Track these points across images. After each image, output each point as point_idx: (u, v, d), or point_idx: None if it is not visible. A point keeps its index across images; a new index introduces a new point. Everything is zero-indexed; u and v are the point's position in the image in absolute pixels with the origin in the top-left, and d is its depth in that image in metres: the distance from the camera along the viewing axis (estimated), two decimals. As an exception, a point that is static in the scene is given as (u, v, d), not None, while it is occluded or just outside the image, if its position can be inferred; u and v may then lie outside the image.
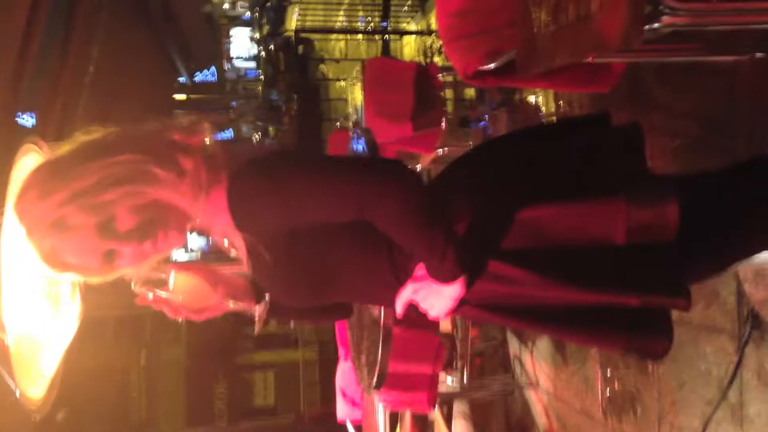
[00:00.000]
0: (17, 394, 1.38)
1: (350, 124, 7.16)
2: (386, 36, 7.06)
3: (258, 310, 1.45)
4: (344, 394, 4.56)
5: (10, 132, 3.72)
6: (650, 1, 1.36)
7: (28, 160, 1.41)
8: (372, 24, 7.25)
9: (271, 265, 1.26)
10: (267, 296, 1.46)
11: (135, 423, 11.61)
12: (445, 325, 3.57)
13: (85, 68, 4.76)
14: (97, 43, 4.92)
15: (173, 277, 1.35)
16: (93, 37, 4.79)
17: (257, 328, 1.48)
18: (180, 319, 1.38)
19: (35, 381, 1.40)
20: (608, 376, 3.06)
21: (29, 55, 3.84)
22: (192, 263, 1.41)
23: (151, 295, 1.33)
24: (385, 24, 6.94)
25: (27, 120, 4.74)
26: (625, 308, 1.29)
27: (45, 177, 1.17)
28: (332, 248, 1.28)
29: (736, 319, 2.23)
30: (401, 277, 1.31)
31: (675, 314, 2.48)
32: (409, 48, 6.92)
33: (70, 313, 1.40)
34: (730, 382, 2.24)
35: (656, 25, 1.39)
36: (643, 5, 1.33)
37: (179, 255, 1.36)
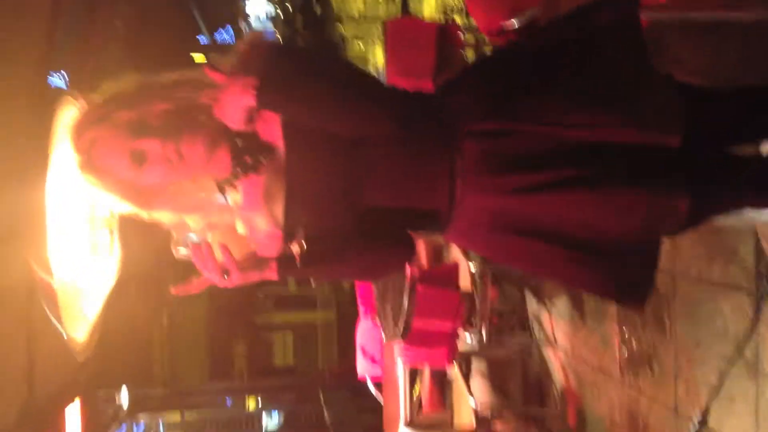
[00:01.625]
0: (64, 336, 1.44)
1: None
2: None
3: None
4: (364, 352, 4.65)
5: (43, 91, 3.79)
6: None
7: (68, 114, 1.46)
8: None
9: (305, 148, 1.29)
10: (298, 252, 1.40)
11: (158, 378, 11.87)
12: (465, 283, 3.62)
13: (111, 26, 4.80)
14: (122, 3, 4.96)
15: (211, 235, 1.35)
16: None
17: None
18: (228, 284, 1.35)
19: (79, 324, 1.46)
20: (626, 335, 3.10)
21: (59, 15, 3.89)
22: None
23: (192, 253, 1.32)
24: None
25: (59, 80, 4.81)
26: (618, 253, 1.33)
27: (95, 98, 1.30)
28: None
29: (755, 276, 2.26)
30: (444, 132, 1.33)
31: (694, 272, 2.53)
32: (428, 7, 6.86)
33: (110, 259, 1.46)
34: (747, 338, 2.28)
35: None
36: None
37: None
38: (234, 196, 1.33)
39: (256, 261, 1.36)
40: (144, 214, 1.33)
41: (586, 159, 1.30)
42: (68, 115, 1.41)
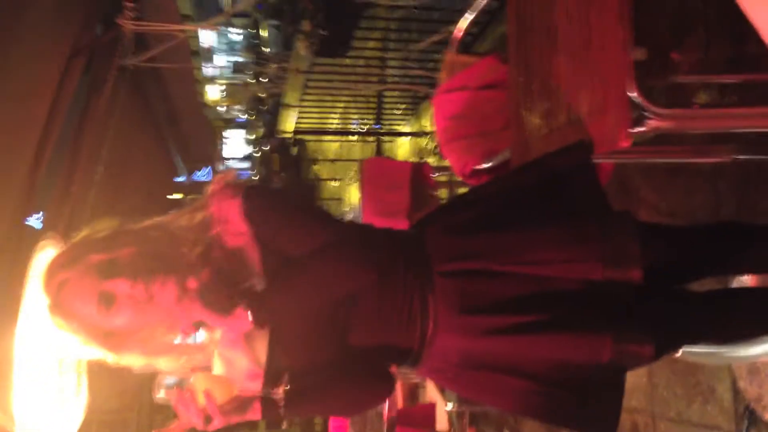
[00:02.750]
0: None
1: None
2: (380, 137, 7.26)
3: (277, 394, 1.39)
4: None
5: (20, 233, 3.79)
6: (636, 107, 1.46)
7: (45, 255, 1.46)
8: (366, 126, 7.46)
9: (286, 296, 1.30)
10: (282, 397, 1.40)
11: None
12: (442, 424, 3.53)
13: (94, 165, 4.90)
14: (107, 140, 5.09)
15: (193, 378, 1.32)
16: (103, 139, 4.96)
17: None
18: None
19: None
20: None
21: (44, 157, 3.96)
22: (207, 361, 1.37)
23: (174, 399, 1.30)
24: (378, 126, 7.16)
25: (35, 221, 4.84)
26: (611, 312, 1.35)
27: (70, 242, 1.32)
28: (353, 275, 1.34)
29: (734, 416, 2.24)
30: (418, 273, 1.36)
31: (673, 412, 2.49)
32: (403, 149, 7.11)
33: (76, 404, 1.42)
34: (731, 480, 2.22)
35: (642, 128, 1.48)
36: (629, 110, 1.43)
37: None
38: (212, 335, 1.32)
39: (239, 404, 1.34)
40: (113, 358, 1.31)
41: (553, 303, 1.34)
42: (44, 257, 1.41)
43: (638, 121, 1.47)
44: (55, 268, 1.27)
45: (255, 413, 1.35)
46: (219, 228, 1.32)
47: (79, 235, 1.33)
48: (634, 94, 1.45)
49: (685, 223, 1.69)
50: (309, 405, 1.42)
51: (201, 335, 1.32)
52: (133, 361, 1.32)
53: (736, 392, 2.22)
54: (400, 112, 6.92)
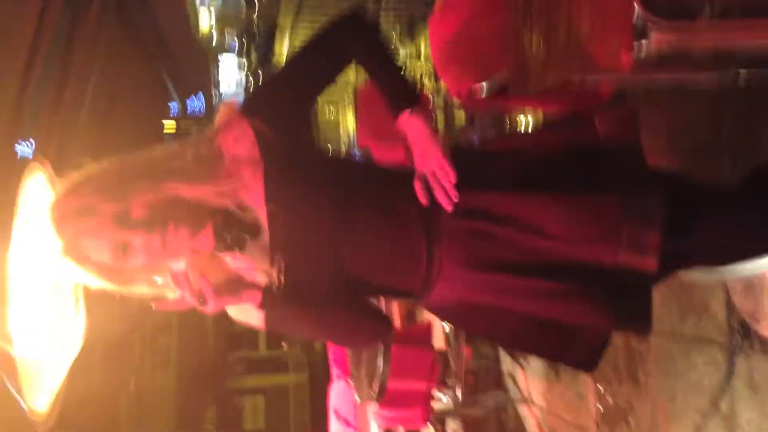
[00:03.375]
0: (24, 407, 1.40)
1: (342, 147, 7.23)
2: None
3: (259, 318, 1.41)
4: (338, 414, 4.56)
5: (9, 159, 3.77)
6: (639, 22, 1.41)
7: (34, 180, 1.45)
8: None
9: (291, 230, 1.31)
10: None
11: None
12: (439, 342, 3.60)
13: (83, 93, 4.83)
14: (95, 68, 4.99)
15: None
16: (91, 64, 4.87)
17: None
18: (207, 309, 1.34)
19: (41, 395, 1.42)
20: (601, 391, 3.09)
21: (30, 83, 3.90)
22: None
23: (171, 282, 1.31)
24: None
25: (26, 147, 4.82)
26: (607, 280, 1.34)
27: (77, 182, 1.29)
28: (356, 193, 1.37)
29: (727, 330, 2.28)
30: (427, 225, 1.36)
31: (667, 327, 2.54)
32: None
33: (75, 327, 1.43)
34: (722, 392, 2.28)
35: (644, 42, 1.44)
36: (631, 25, 1.39)
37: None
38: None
39: (234, 285, 1.35)
40: (120, 290, 1.33)
41: (559, 273, 1.33)
42: (34, 182, 1.40)
43: (641, 36, 1.43)
44: (69, 213, 1.26)
45: (253, 298, 1.36)
46: (228, 160, 1.32)
47: (83, 171, 1.30)
48: (636, 7, 1.40)
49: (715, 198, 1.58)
50: (303, 312, 1.41)
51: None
52: (141, 291, 1.35)
53: (730, 308, 2.25)
54: (394, 34, 6.79)
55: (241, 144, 1.32)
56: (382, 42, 1.43)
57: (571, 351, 1.44)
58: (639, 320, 1.37)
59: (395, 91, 1.41)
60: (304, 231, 1.34)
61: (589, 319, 1.38)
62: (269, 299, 1.36)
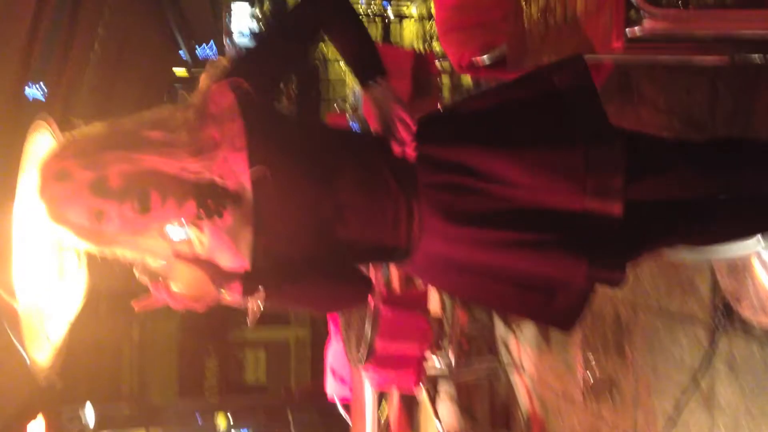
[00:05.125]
0: (27, 361, 1.45)
1: (348, 107, 7.22)
2: (387, 18, 7.10)
3: (252, 303, 1.47)
4: (334, 372, 4.65)
5: (19, 104, 3.78)
6: (631, 6, 1.43)
7: (39, 136, 1.48)
8: (373, 6, 7.28)
9: (275, 193, 1.34)
10: (261, 288, 1.45)
11: (126, 394, 11.71)
12: (435, 307, 3.66)
13: (92, 39, 4.82)
14: (104, 12, 4.98)
15: (174, 267, 1.39)
16: (100, 9, 4.85)
17: (250, 321, 1.52)
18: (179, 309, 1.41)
19: (43, 348, 1.47)
20: (589, 361, 3.15)
21: (40, 27, 3.90)
22: (193, 255, 1.41)
23: (151, 285, 1.38)
24: (386, 4, 6.99)
25: (36, 91, 4.84)
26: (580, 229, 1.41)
27: (63, 144, 1.33)
28: (335, 158, 1.42)
29: (711, 309, 2.33)
30: (404, 183, 1.41)
31: (654, 303, 2.59)
32: (408, 31, 6.96)
33: (77, 281, 1.48)
34: (702, 370, 2.34)
35: (637, 28, 1.47)
36: (624, 10, 1.41)
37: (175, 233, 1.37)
38: (199, 236, 1.37)
39: (214, 278, 1.39)
40: (104, 252, 1.37)
41: (534, 223, 1.40)
42: (39, 141, 1.44)
43: (634, 22, 1.45)
44: (49, 176, 1.28)
45: (235, 288, 1.41)
46: (211, 122, 1.34)
47: (75, 133, 1.33)
48: (631, -7, 1.42)
49: (677, 145, 1.66)
50: (286, 289, 1.46)
51: (190, 233, 1.37)
52: (124, 254, 1.38)
53: (715, 288, 2.29)
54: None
55: (222, 101, 1.35)
56: (351, 13, 1.49)
57: (551, 310, 1.50)
58: (612, 267, 1.42)
59: (362, 62, 1.48)
60: (289, 194, 1.37)
61: (564, 268, 1.42)
62: (249, 286, 1.41)
